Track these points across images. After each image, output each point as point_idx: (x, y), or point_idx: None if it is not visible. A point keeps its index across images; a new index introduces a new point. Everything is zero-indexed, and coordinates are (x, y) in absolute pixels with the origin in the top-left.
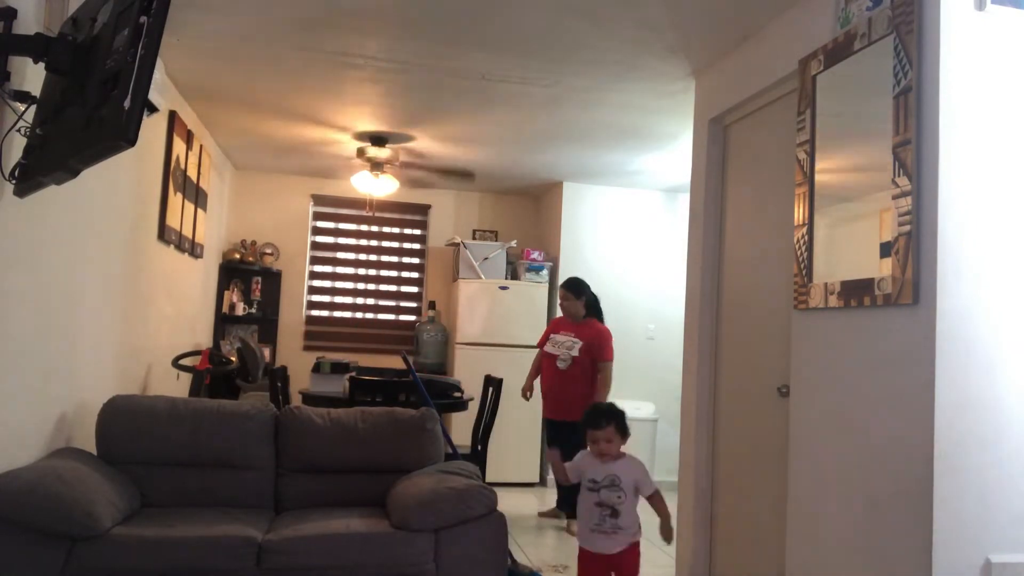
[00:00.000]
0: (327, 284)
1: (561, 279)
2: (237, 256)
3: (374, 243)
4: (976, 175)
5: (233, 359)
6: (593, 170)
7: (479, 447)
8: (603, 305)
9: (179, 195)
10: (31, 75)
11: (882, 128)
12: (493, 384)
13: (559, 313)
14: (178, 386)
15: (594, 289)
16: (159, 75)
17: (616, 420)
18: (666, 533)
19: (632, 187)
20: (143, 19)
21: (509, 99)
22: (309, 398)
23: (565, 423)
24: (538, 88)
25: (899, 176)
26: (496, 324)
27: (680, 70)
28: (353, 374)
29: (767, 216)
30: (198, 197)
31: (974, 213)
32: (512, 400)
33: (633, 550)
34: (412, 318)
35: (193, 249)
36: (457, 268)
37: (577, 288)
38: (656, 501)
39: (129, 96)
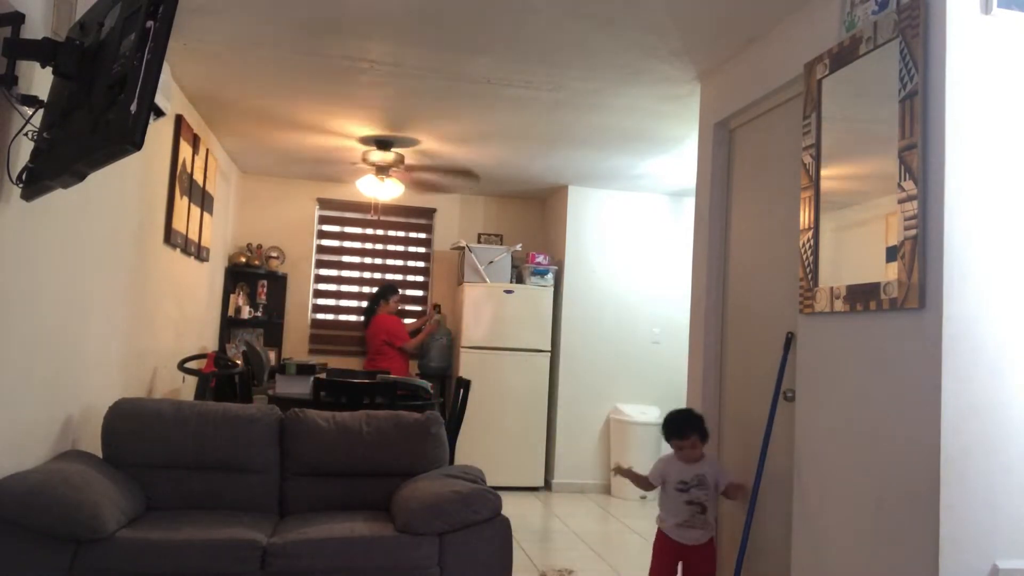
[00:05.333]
0: (332, 288)
1: (566, 283)
2: (243, 260)
3: (379, 247)
4: (982, 179)
5: (239, 362)
6: (598, 174)
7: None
8: (608, 308)
9: (185, 199)
10: (39, 79)
11: (888, 132)
12: (463, 385)
13: (563, 317)
14: (184, 389)
15: (599, 293)
16: (166, 79)
17: (698, 427)
18: (738, 492)
19: (637, 191)
20: (150, 24)
21: (514, 103)
22: (275, 400)
23: None
24: (543, 92)
25: (905, 180)
26: (501, 328)
27: (685, 74)
28: (321, 376)
29: (773, 220)
30: (204, 201)
31: (980, 217)
32: (515, 404)
33: (713, 542)
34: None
35: (199, 252)
36: (462, 272)
37: None
38: (732, 489)
39: (136, 100)
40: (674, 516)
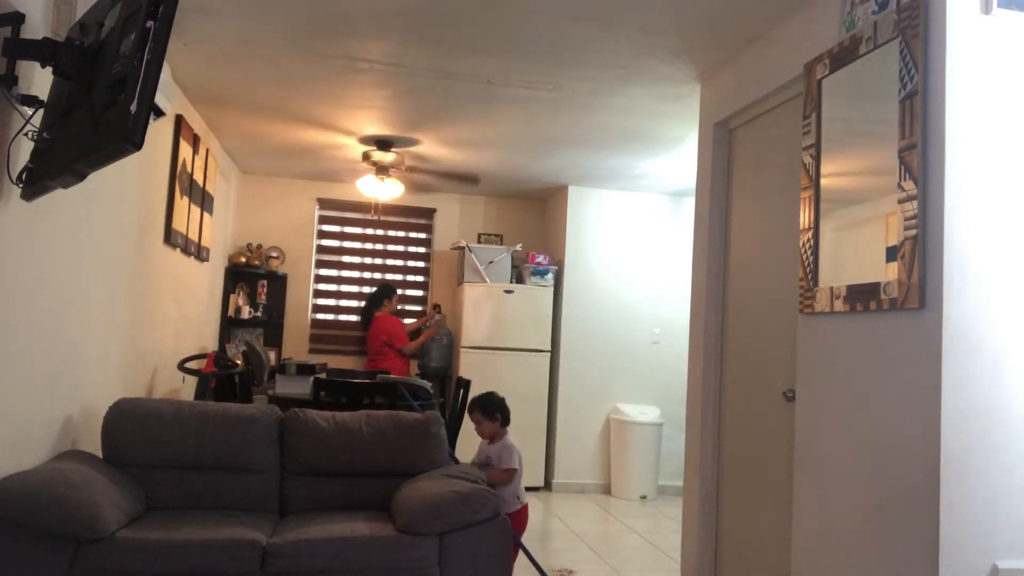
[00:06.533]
0: (332, 288)
1: (566, 283)
2: (243, 259)
3: (379, 247)
4: (982, 179)
5: (239, 362)
6: (598, 174)
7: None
8: (608, 308)
9: (185, 199)
10: (39, 79)
11: (888, 132)
12: (463, 385)
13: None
14: (184, 389)
15: (599, 293)
16: (166, 79)
17: (481, 405)
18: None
19: (637, 191)
20: (150, 24)
21: (514, 103)
22: (275, 400)
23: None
24: (543, 92)
25: (905, 180)
26: (501, 328)
27: (685, 74)
28: (321, 376)
29: (772, 220)
30: (204, 201)
31: (980, 217)
32: (515, 405)
33: (508, 517)
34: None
35: (199, 252)
36: (462, 272)
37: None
38: (499, 474)
39: (135, 100)
40: None
